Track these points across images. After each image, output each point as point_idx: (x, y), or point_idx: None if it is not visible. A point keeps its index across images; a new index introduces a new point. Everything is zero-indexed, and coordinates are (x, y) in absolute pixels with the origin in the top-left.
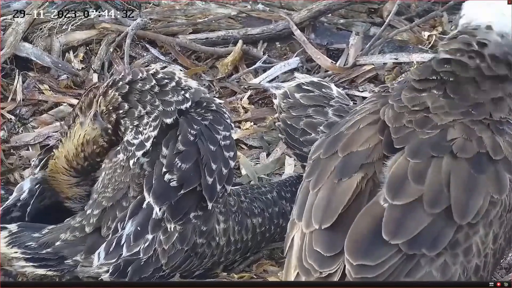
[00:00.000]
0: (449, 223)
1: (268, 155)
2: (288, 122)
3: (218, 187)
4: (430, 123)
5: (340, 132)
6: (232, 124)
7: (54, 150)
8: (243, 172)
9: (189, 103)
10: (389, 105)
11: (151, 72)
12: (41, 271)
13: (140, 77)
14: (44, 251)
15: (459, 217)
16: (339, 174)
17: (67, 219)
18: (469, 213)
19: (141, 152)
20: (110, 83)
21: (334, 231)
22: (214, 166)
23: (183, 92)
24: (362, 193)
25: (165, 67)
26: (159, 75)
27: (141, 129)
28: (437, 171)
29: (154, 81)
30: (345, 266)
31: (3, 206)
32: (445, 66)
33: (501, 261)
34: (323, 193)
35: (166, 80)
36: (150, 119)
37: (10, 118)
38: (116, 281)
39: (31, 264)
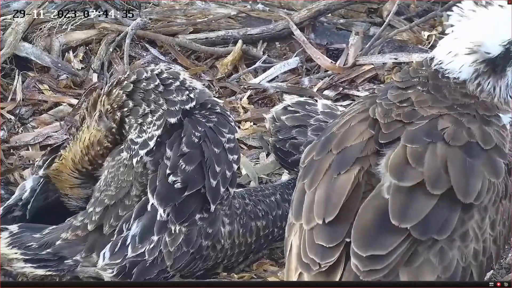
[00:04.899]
0: (452, 207)
1: (268, 155)
2: (277, 146)
3: (222, 189)
4: (417, 115)
5: (332, 133)
6: (236, 127)
7: (61, 151)
8: (243, 172)
9: (194, 104)
10: (377, 104)
11: (155, 72)
12: (40, 272)
13: (145, 76)
14: (43, 252)
15: (462, 196)
16: (337, 168)
17: (68, 219)
18: (471, 193)
19: (145, 151)
20: (114, 82)
21: (334, 224)
22: (218, 169)
23: (187, 92)
24: (359, 185)
25: (170, 67)
26: (164, 75)
27: (145, 127)
28: (434, 155)
29: (158, 81)
30: (347, 261)
31: (5, 205)
32: (420, 72)
33: (501, 260)
34: (322, 189)
35: (170, 80)
36: (154, 118)
37: (10, 118)
38: (117, 281)
39: (30, 265)
